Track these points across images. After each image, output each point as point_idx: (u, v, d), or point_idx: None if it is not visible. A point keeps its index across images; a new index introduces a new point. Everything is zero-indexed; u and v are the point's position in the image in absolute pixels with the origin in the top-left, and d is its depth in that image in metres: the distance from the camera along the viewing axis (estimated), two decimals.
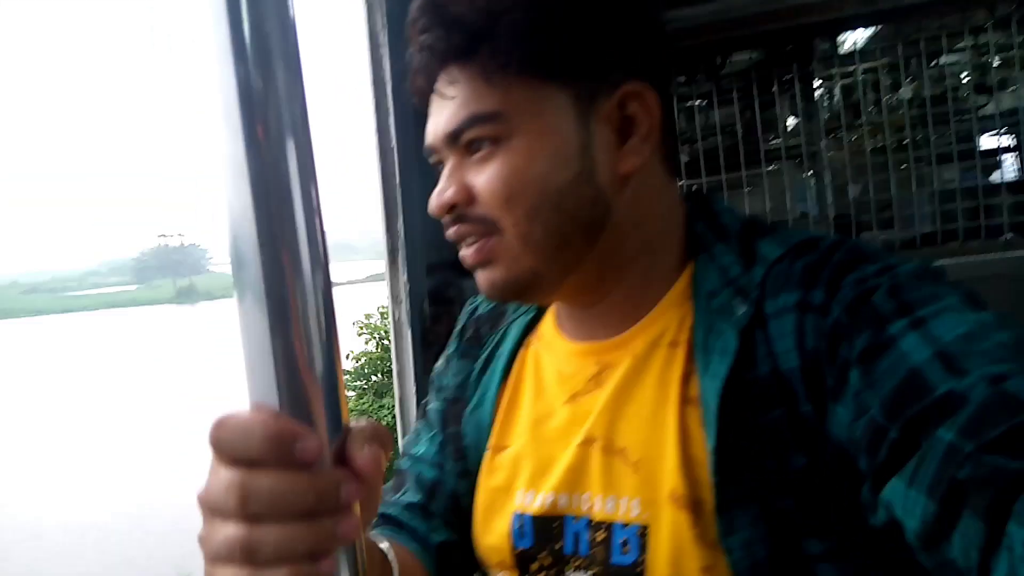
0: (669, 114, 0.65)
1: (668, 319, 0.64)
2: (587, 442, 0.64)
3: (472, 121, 0.61)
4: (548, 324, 0.75)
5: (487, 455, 0.71)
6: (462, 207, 0.62)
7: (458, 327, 0.84)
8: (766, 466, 0.55)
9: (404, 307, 1.46)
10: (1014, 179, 1.98)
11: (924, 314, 0.50)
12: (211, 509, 0.39)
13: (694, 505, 0.57)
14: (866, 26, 2.13)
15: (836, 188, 2.45)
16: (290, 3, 0.36)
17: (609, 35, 0.62)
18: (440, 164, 0.65)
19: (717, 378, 0.57)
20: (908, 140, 2.16)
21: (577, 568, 0.63)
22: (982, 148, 1.99)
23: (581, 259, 0.64)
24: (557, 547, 0.64)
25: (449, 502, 0.74)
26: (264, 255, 0.35)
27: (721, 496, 0.56)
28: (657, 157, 0.65)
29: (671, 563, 0.58)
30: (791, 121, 2.57)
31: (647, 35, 0.64)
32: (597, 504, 0.62)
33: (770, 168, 2.52)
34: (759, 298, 0.59)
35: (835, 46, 2.21)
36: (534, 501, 0.66)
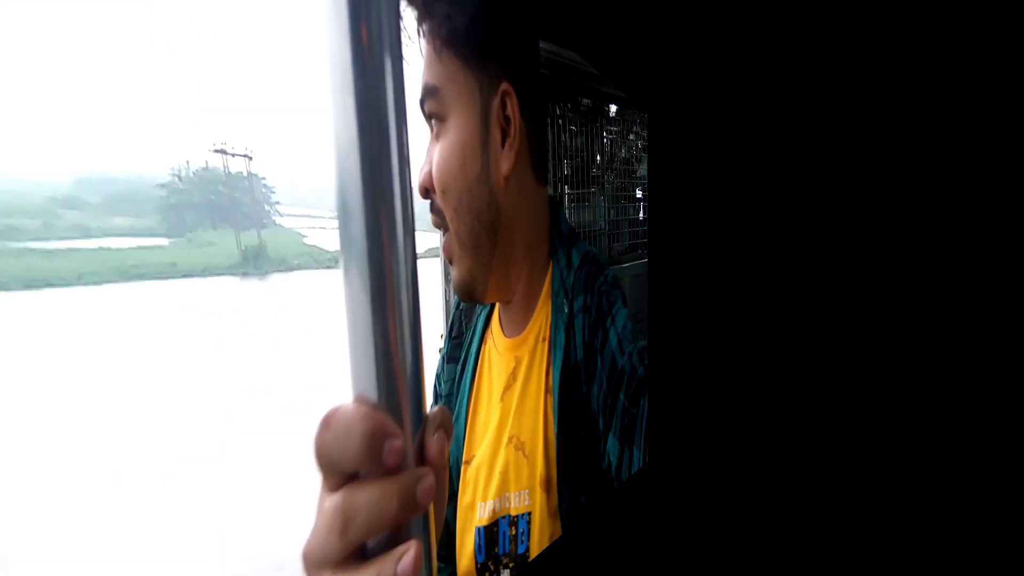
0: (536, 124, 0.67)
1: (540, 317, 0.72)
2: (509, 440, 0.70)
3: (425, 91, 0.63)
4: (495, 318, 0.81)
5: (462, 470, 0.73)
6: (429, 190, 0.66)
7: (447, 327, 0.85)
8: (577, 430, 0.66)
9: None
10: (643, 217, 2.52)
11: (614, 313, 0.65)
12: (319, 563, 0.37)
13: (547, 483, 0.65)
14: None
15: (609, 210, 2.98)
16: None
17: (505, 32, 0.64)
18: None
19: (556, 368, 0.66)
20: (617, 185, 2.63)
21: (504, 566, 0.67)
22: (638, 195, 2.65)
23: (491, 259, 0.69)
24: (495, 551, 0.68)
25: (443, 537, 0.71)
26: (370, 241, 0.35)
27: (562, 472, 0.65)
28: (528, 162, 0.68)
29: (541, 545, 0.64)
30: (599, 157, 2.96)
31: (525, 45, 0.66)
32: (514, 500, 0.68)
33: (592, 190, 2.87)
34: (571, 299, 0.69)
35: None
36: (484, 512, 0.69)
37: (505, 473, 0.68)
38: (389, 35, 0.36)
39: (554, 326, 0.68)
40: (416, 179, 0.63)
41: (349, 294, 0.37)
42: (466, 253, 0.67)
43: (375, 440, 0.35)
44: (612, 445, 0.61)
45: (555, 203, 0.76)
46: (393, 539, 0.37)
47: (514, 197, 0.68)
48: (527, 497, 0.66)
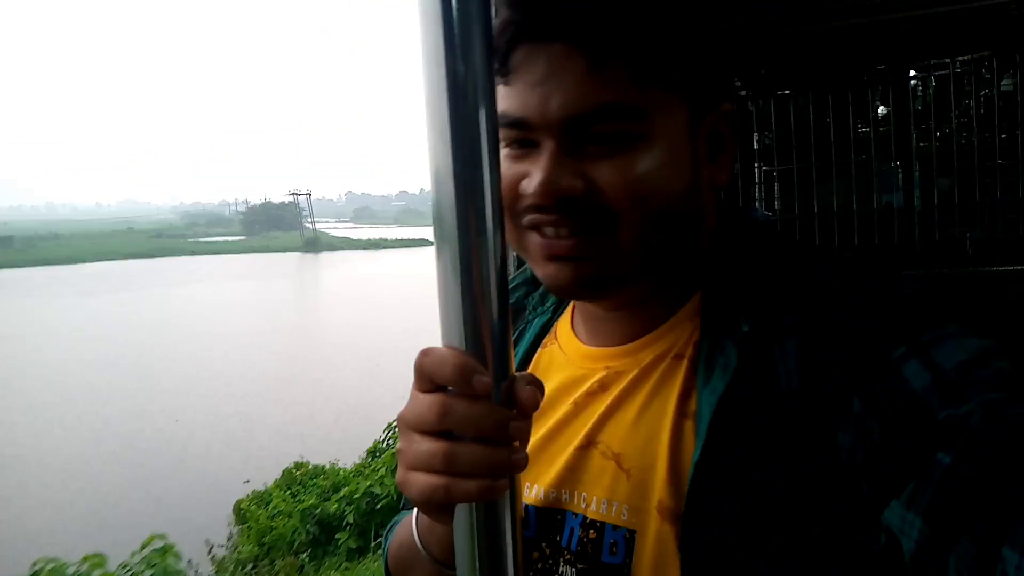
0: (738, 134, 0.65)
1: (679, 333, 0.63)
2: (587, 444, 0.64)
3: (615, 111, 0.56)
4: (564, 325, 0.74)
5: None
6: (582, 198, 0.57)
7: None
8: (742, 484, 0.54)
9: None
10: None
11: (926, 340, 0.50)
12: (412, 426, 0.49)
13: (678, 517, 0.56)
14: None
15: (923, 181, 2.37)
16: (491, 5, 0.44)
17: (725, 56, 0.63)
18: (525, 142, 0.59)
19: (715, 393, 0.56)
20: (996, 140, 2.06)
21: (566, 562, 0.63)
22: None
23: (663, 270, 0.63)
24: (556, 539, 0.64)
25: None
26: (460, 231, 0.45)
27: (690, 505, 0.55)
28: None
29: (654, 570, 0.57)
30: (881, 110, 2.47)
31: (742, 62, 0.70)
32: (593, 504, 0.62)
33: (858, 158, 2.47)
34: (763, 316, 0.57)
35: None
36: (538, 494, 0.66)
37: (576, 472, 0.65)
38: (480, 44, 0.44)
39: (708, 342, 0.59)
40: (534, 186, 0.58)
41: (441, 272, 0.46)
42: (639, 257, 0.59)
43: (466, 371, 0.46)
44: (899, 516, 0.47)
45: (731, 207, 0.69)
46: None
47: (708, 212, 0.65)
48: (626, 513, 0.60)
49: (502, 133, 0.58)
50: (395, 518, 0.79)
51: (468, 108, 0.45)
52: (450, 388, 0.48)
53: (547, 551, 0.65)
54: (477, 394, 0.46)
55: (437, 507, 0.50)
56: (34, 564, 5.45)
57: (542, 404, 0.62)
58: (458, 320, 0.47)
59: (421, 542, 0.63)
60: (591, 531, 0.62)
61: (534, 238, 0.61)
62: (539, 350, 0.74)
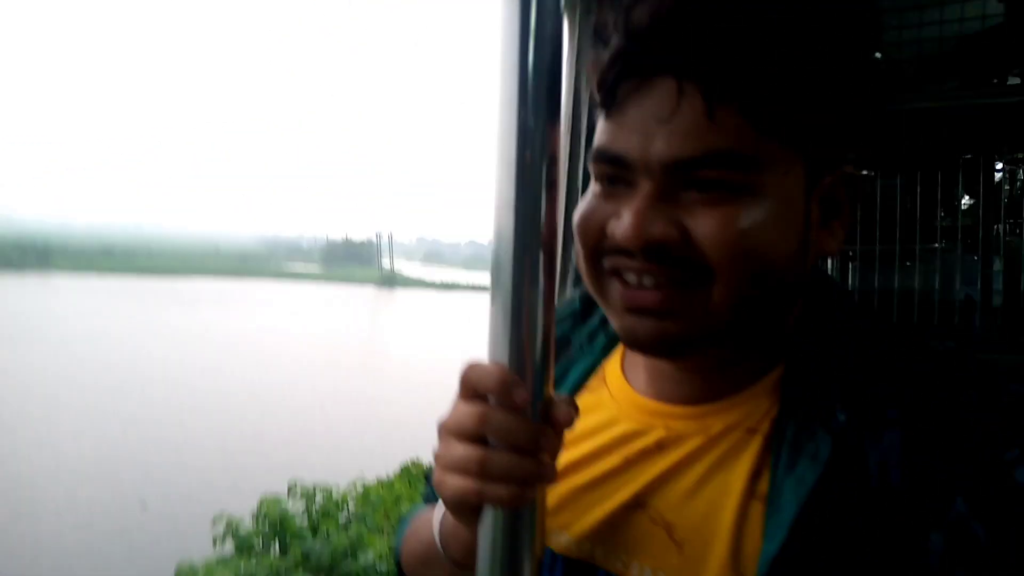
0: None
1: (754, 405, 0.58)
2: (636, 505, 0.59)
3: (724, 157, 0.51)
4: (614, 368, 0.68)
5: None
6: (672, 247, 0.53)
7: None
8: None
9: None
10: None
11: None
12: (452, 431, 0.51)
13: None
14: None
15: (1007, 276, 2.26)
16: (563, 59, 0.46)
17: (857, 117, 0.56)
18: (619, 180, 0.55)
19: (803, 484, 0.51)
20: None
21: None
22: None
23: (752, 336, 0.58)
24: None
25: None
26: (515, 266, 0.49)
27: None
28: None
29: None
30: (966, 201, 2.40)
31: (876, 124, 0.59)
32: (634, 570, 0.58)
33: (936, 246, 2.40)
34: (861, 407, 0.53)
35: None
36: (569, 543, 0.62)
37: (618, 531, 0.60)
38: (547, 98, 0.48)
39: (794, 425, 0.54)
40: (624, 228, 0.53)
41: (493, 316, 0.50)
42: (733, 316, 0.54)
43: (506, 383, 0.48)
44: None
45: (817, 274, 0.62)
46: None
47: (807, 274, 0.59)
48: None
49: (596, 169, 0.56)
50: (410, 509, 0.81)
51: (535, 158, 0.48)
52: (491, 400, 0.50)
53: None
54: (515, 406, 0.49)
55: (467, 509, 0.52)
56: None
57: (585, 450, 0.63)
58: (504, 342, 0.49)
59: (442, 543, 0.63)
60: None
61: (615, 285, 0.56)
62: (582, 393, 0.69)
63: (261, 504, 7.15)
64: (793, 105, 0.52)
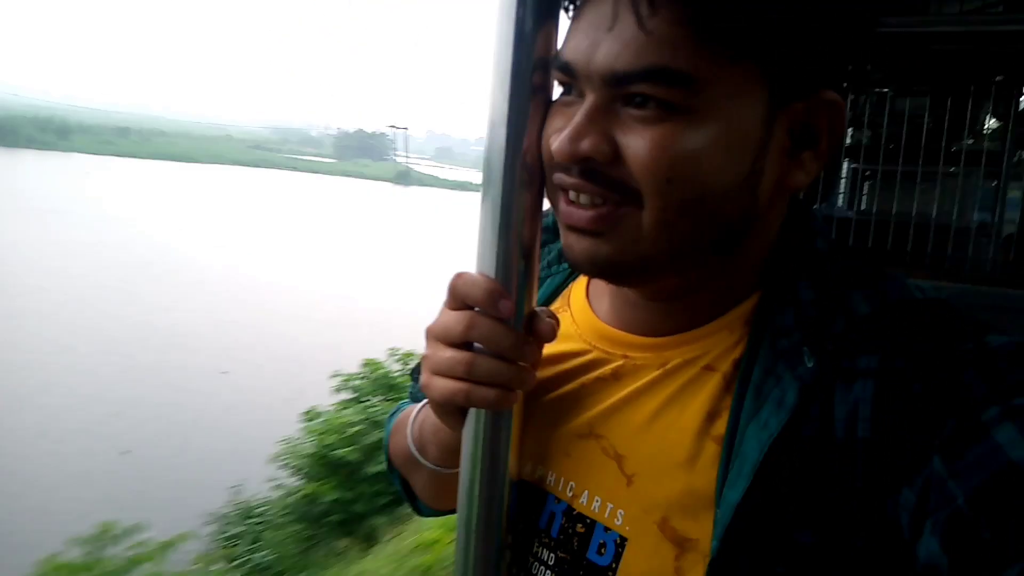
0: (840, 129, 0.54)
1: (715, 341, 0.56)
2: (589, 435, 0.58)
3: (659, 74, 0.47)
4: (579, 292, 0.66)
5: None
6: (600, 163, 0.50)
7: None
8: (783, 533, 0.49)
9: None
10: None
11: (1020, 403, 0.44)
12: (439, 336, 0.55)
13: (682, 542, 0.52)
14: None
15: None
16: None
17: (833, 35, 0.50)
18: (568, 88, 0.53)
19: (767, 430, 0.50)
20: None
21: (545, 545, 0.59)
22: None
23: (700, 264, 0.54)
24: (532, 518, 0.61)
25: None
26: (505, 177, 0.52)
27: (722, 551, 0.49)
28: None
29: None
30: (993, 123, 2.38)
31: (861, 47, 0.53)
32: (583, 498, 0.58)
33: (952, 169, 2.41)
34: (832, 354, 0.50)
35: None
36: (523, 468, 0.62)
37: (569, 458, 0.60)
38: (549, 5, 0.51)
39: (762, 369, 0.52)
40: (556, 141, 0.51)
41: (483, 211, 0.53)
42: (663, 243, 0.51)
43: (493, 294, 0.52)
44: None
45: (796, 205, 0.58)
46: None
47: (776, 212, 0.56)
48: (620, 518, 0.55)
49: (555, 77, 0.54)
50: (398, 405, 0.83)
51: (528, 62, 0.50)
52: (476, 309, 0.54)
53: (520, 526, 0.61)
54: (501, 315, 0.52)
55: (453, 410, 0.56)
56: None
57: (542, 375, 0.61)
58: (492, 253, 0.53)
59: (417, 446, 0.66)
60: (579, 525, 0.57)
61: (560, 201, 0.54)
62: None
63: (365, 364, 9.49)
64: (750, 18, 0.47)
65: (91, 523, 6.34)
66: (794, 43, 0.49)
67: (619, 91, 0.49)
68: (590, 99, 0.50)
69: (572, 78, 0.51)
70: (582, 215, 0.52)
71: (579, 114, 0.50)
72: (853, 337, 0.50)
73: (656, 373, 0.57)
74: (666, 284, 0.56)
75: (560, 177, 0.53)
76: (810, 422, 0.49)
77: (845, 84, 0.53)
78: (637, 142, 0.49)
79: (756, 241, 0.55)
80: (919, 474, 0.45)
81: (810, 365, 0.50)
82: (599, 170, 0.50)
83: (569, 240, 0.54)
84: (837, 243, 0.57)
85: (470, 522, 0.58)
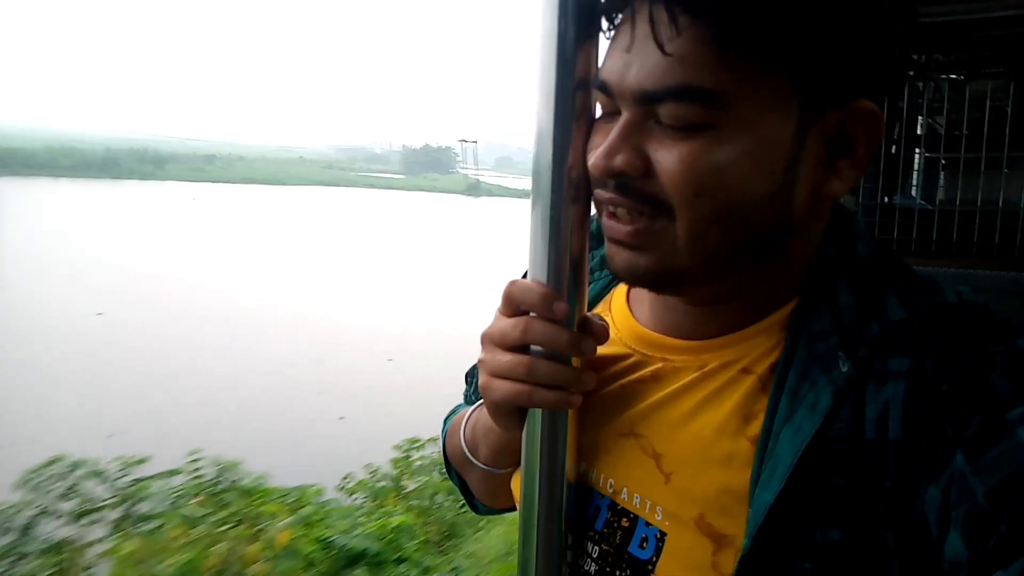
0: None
1: (752, 345, 0.56)
2: (629, 434, 0.60)
3: (683, 91, 0.48)
4: (620, 297, 0.68)
5: None
6: (633, 178, 0.52)
7: None
8: (816, 534, 0.49)
9: None
10: None
11: None
12: (496, 341, 0.58)
13: (719, 538, 0.53)
14: None
15: None
16: None
17: (864, 44, 0.50)
18: (609, 111, 0.54)
19: (801, 434, 0.50)
20: None
21: (590, 539, 0.61)
22: None
23: (736, 272, 0.55)
24: (579, 512, 0.62)
25: None
26: (553, 188, 0.55)
27: (753, 549, 0.50)
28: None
29: (681, 574, 0.55)
30: None
31: (888, 55, 0.52)
32: (624, 494, 0.59)
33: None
34: (867, 358, 0.50)
35: None
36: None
37: (610, 456, 0.61)
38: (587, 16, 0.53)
39: (797, 372, 0.52)
40: (593, 157, 0.54)
41: (533, 234, 0.57)
42: (698, 254, 0.52)
43: (547, 297, 0.55)
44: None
45: (839, 211, 0.59)
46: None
47: (816, 219, 0.56)
48: (659, 514, 0.57)
49: (596, 95, 0.55)
50: (454, 407, 0.84)
51: (570, 83, 0.53)
52: (531, 315, 0.56)
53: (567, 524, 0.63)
54: (556, 317, 0.55)
55: (511, 411, 0.59)
56: None
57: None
58: (543, 262, 0.56)
59: (469, 447, 0.70)
60: (624, 519, 0.59)
61: (603, 213, 0.56)
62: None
63: None
64: (776, 32, 0.47)
65: None
66: (824, 54, 0.48)
67: (650, 109, 0.50)
68: (624, 116, 0.52)
69: (610, 97, 0.53)
70: (621, 229, 0.54)
71: (614, 131, 0.52)
72: (887, 341, 0.50)
73: (694, 375, 0.58)
74: (706, 291, 0.57)
75: (599, 192, 0.55)
76: (841, 423, 0.50)
77: (884, 90, 0.53)
78: (667, 157, 0.50)
79: (795, 248, 0.56)
80: (944, 471, 0.45)
81: (844, 370, 0.50)
82: (633, 185, 0.52)
83: (611, 251, 0.56)
84: (880, 248, 0.57)
85: (531, 522, 0.60)
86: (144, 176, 75.74)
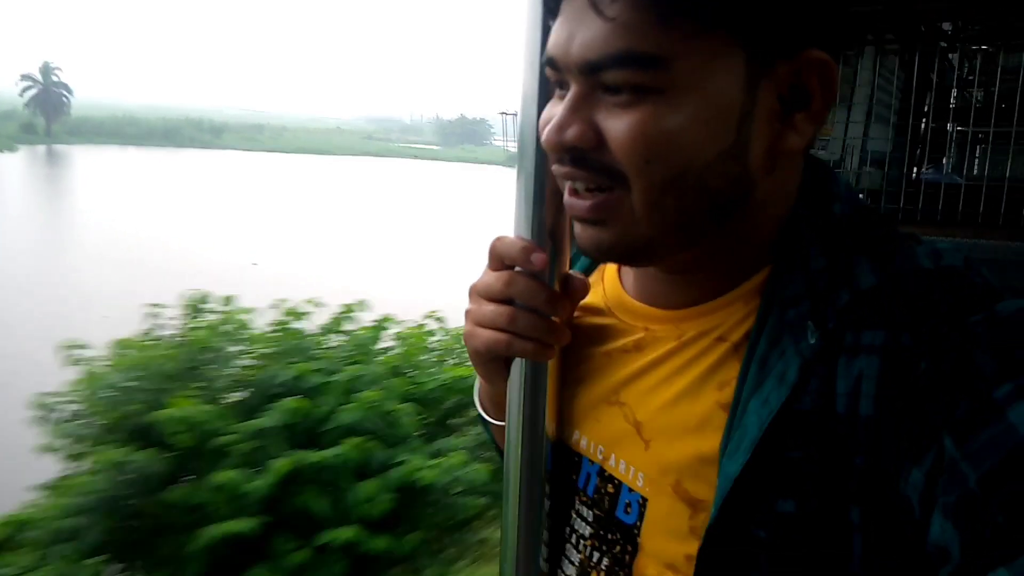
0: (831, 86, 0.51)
1: (728, 313, 0.56)
2: (613, 402, 0.61)
3: (625, 59, 0.47)
4: (611, 267, 0.67)
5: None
6: (585, 150, 0.51)
7: None
8: (782, 508, 0.48)
9: None
10: None
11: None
12: (481, 292, 0.60)
13: (695, 503, 0.53)
14: None
15: None
16: None
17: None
18: (560, 84, 0.53)
19: (768, 406, 0.49)
20: None
21: (583, 503, 0.63)
22: None
23: (702, 237, 0.53)
24: (572, 477, 0.63)
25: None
26: (537, 151, 0.57)
27: (719, 519, 0.50)
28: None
29: (663, 539, 0.55)
30: None
31: (838, 2, 0.52)
32: (612, 460, 0.60)
33: None
34: (836, 329, 0.49)
35: None
36: (555, 430, 0.66)
37: (598, 423, 0.62)
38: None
39: (768, 341, 0.51)
40: (544, 132, 0.52)
41: (518, 196, 0.60)
42: (657, 222, 0.51)
43: (527, 250, 0.57)
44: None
45: (817, 166, 0.56)
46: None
47: (778, 176, 0.53)
48: (641, 480, 0.57)
49: (548, 71, 0.54)
50: None
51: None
52: (516, 270, 0.59)
53: (561, 487, 0.65)
54: (534, 267, 0.57)
55: (493, 361, 0.62)
56: None
57: (576, 344, 0.65)
58: (527, 222, 0.59)
59: (481, 405, 0.74)
60: (610, 485, 0.60)
61: (566, 192, 0.55)
62: None
63: None
64: None
65: None
66: (764, 7, 0.47)
67: (596, 79, 0.49)
68: (573, 89, 0.51)
69: (558, 71, 0.52)
70: (582, 205, 0.53)
71: (563, 105, 0.51)
72: (858, 311, 0.49)
73: (673, 344, 0.58)
74: (678, 259, 0.56)
75: (556, 168, 0.54)
76: (810, 395, 0.49)
77: (834, 40, 0.51)
78: (616, 126, 0.49)
79: (765, 209, 0.54)
80: (928, 454, 0.44)
81: (812, 341, 0.49)
82: (587, 156, 0.51)
83: (577, 230, 0.56)
84: (858, 206, 0.54)
85: (517, 475, 0.63)
86: (204, 144, 77.34)
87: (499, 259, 0.60)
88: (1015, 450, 0.41)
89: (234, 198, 35.97)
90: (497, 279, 0.59)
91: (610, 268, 0.68)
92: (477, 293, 0.61)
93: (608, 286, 0.67)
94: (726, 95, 0.49)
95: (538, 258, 0.57)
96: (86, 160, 55.07)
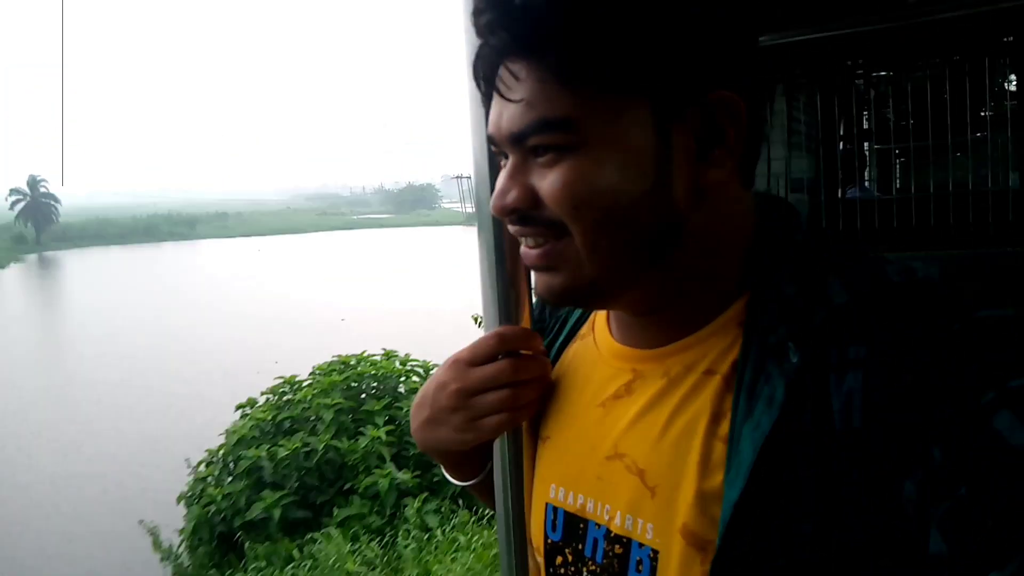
0: (758, 122, 0.54)
1: (711, 345, 0.55)
2: (614, 456, 0.58)
3: (539, 126, 0.51)
4: (601, 316, 0.68)
5: (538, 445, 0.68)
6: (526, 210, 0.54)
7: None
8: (784, 530, 0.47)
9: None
10: None
11: (1015, 386, 0.42)
12: (488, 383, 0.64)
13: (704, 544, 0.51)
14: None
15: None
16: None
17: (696, 46, 0.50)
18: (502, 156, 0.57)
19: (759, 430, 0.48)
20: None
21: (591, 572, 0.59)
22: None
23: (645, 273, 0.55)
24: (579, 547, 0.61)
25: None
26: (494, 225, 0.64)
27: (723, 548, 0.49)
28: (736, 167, 0.54)
29: None
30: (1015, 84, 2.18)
31: (739, 45, 0.53)
32: (617, 519, 0.57)
33: (978, 135, 2.13)
34: (816, 346, 0.49)
35: None
36: (566, 498, 0.62)
37: (602, 482, 0.59)
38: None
39: (752, 368, 0.51)
40: (491, 201, 0.56)
41: (480, 253, 0.66)
42: (599, 263, 0.53)
43: (531, 335, 0.67)
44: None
45: (775, 202, 0.58)
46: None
47: (709, 209, 0.54)
48: (650, 532, 0.54)
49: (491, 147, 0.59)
50: None
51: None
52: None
53: (570, 557, 0.62)
54: (539, 352, 0.66)
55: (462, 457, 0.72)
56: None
57: (574, 401, 0.65)
58: (491, 273, 0.65)
59: (449, 475, 0.77)
60: (617, 546, 0.57)
61: (521, 246, 0.59)
62: (574, 341, 0.70)
63: None
64: (604, 56, 0.49)
65: None
66: (653, 64, 0.49)
67: (524, 147, 0.53)
68: (510, 160, 0.55)
69: (497, 147, 0.57)
70: (533, 254, 0.57)
71: (502, 174, 0.55)
72: (835, 328, 0.49)
73: (661, 382, 0.57)
74: (633, 298, 0.57)
75: (509, 227, 0.58)
76: (806, 415, 0.48)
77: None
78: (546, 184, 0.53)
79: (703, 240, 0.55)
80: (918, 466, 0.43)
81: (795, 360, 0.49)
82: (529, 214, 0.55)
83: (533, 278, 0.60)
84: (818, 231, 0.56)
85: (510, 543, 0.67)
86: (181, 237, 75.27)
87: (499, 350, 0.65)
88: (1001, 457, 0.40)
89: (254, 285, 33.93)
90: (507, 365, 0.64)
91: (600, 318, 0.68)
92: (469, 392, 0.65)
93: (599, 335, 0.67)
94: (637, 143, 0.51)
95: (537, 347, 0.66)
96: (90, 263, 51.11)
